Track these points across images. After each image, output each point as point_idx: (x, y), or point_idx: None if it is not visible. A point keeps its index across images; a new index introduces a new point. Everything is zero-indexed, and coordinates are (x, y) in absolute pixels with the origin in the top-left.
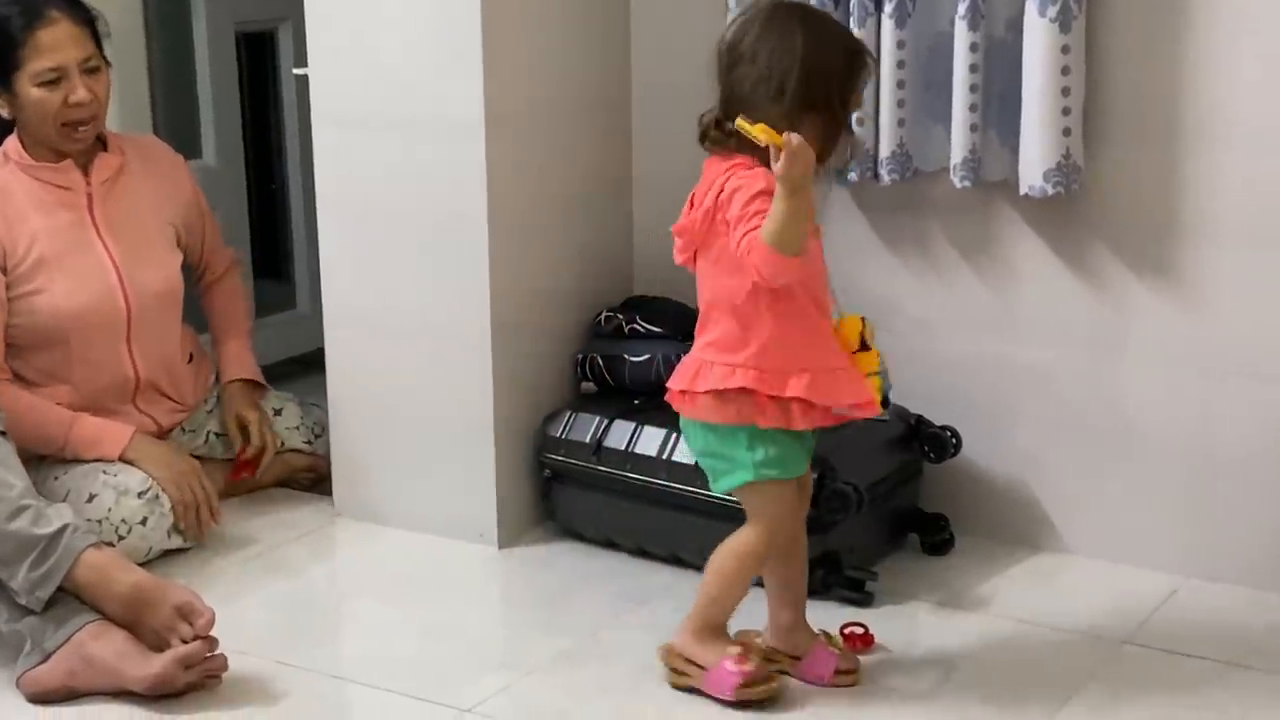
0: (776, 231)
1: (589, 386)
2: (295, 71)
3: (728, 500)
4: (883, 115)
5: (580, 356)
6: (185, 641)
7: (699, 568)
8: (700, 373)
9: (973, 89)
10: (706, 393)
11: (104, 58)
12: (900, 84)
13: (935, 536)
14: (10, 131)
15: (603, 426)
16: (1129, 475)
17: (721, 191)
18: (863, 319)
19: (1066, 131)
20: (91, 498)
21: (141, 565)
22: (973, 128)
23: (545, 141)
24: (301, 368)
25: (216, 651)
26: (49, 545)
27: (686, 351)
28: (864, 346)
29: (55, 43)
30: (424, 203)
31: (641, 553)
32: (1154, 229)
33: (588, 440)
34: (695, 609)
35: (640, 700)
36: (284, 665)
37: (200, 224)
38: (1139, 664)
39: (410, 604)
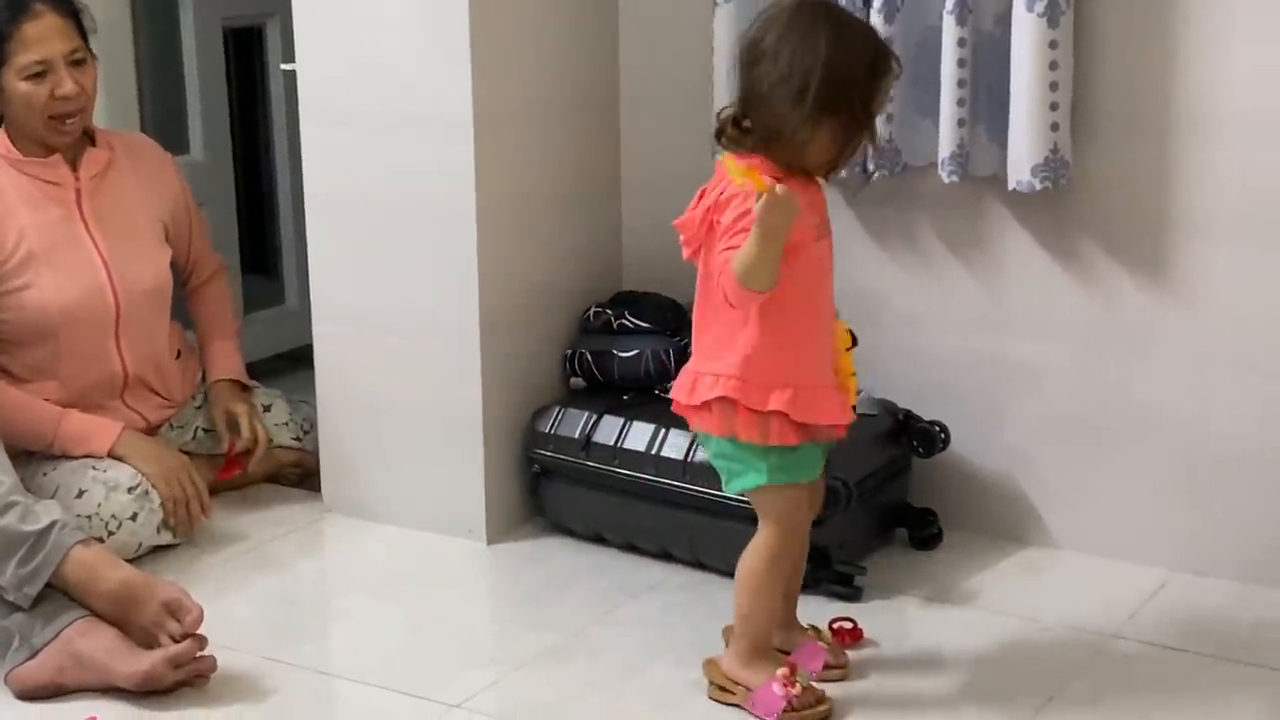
0: (743, 266)
1: (578, 382)
2: (283, 67)
3: (716, 495)
4: None
5: (569, 352)
6: (173, 638)
7: (688, 563)
8: (695, 385)
9: (961, 84)
10: (698, 405)
11: (90, 51)
12: None
13: (923, 531)
14: None
15: (591, 422)
16: (1117, 470)
17: (722, 193)
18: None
19: (1055, 126)
20: (81, 493)
21: (131, 561)
22: (961, 123)
23: (534, 139)
24: (290, 364)
25: (205, 651)
26: (37, 542)
27: (675, 346)
28: (855, 343)
29: (41, 36)
30: (413, 199)
31: (630, 548)
32: (1143, 223)
33: (576, 436)
34: (735, 631)
35: (629, 695)
36: (272, 661)
37: (187, 222)
38: (1127, 658)
39: (399, 600)
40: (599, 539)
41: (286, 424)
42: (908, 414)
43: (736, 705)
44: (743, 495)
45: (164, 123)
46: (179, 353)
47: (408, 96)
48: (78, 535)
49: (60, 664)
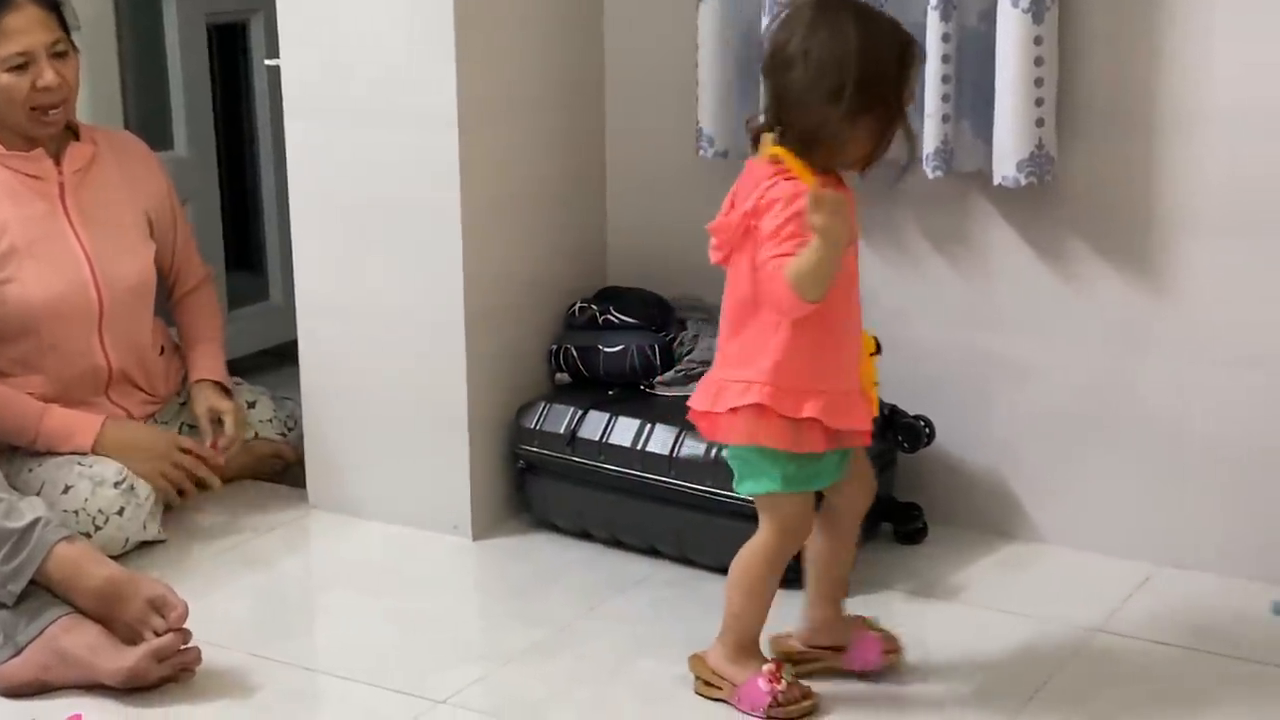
0: (801, 275)
1: (563, 378)
2: (267, 63)
3: (702, 490)
4: None
5: (554, 348)
6: (158, 634)
7: (674, 558)
8: (720, 393)
9: (945, 80)
10: (724, 413)
11: (72, 43)
12: None
13: (909, 526)
14: None
15: (577, 417)
16: (1101, 464)
17: (762, 197)
18: None
19: (1040, 122)
20: (67, 489)
21: (118, 557)
22: (945, 118)
23: (519, 133)
24: (274, 360)
25: (190, 645)
26: (21, 539)
27: (660, 342)
28: (879, 349)
29: (21, 27)
30: (397, 194)
31: (616, 543)
32: (1127, 218)
33: (562, 431)
34: (724, 627)
35: (616, 691)
36: (258, 658)
37: (171, 221)
38: (1111, 652)
39: (384, 596)
40: (585, 534)
41: (271, 421)
42: (893, 409)
43: (723, 700)
44: (750, 497)
45: (148, 118)
46: (163, 349)
47: (392, 91)
48: (62, 532)
49: (44, 661)
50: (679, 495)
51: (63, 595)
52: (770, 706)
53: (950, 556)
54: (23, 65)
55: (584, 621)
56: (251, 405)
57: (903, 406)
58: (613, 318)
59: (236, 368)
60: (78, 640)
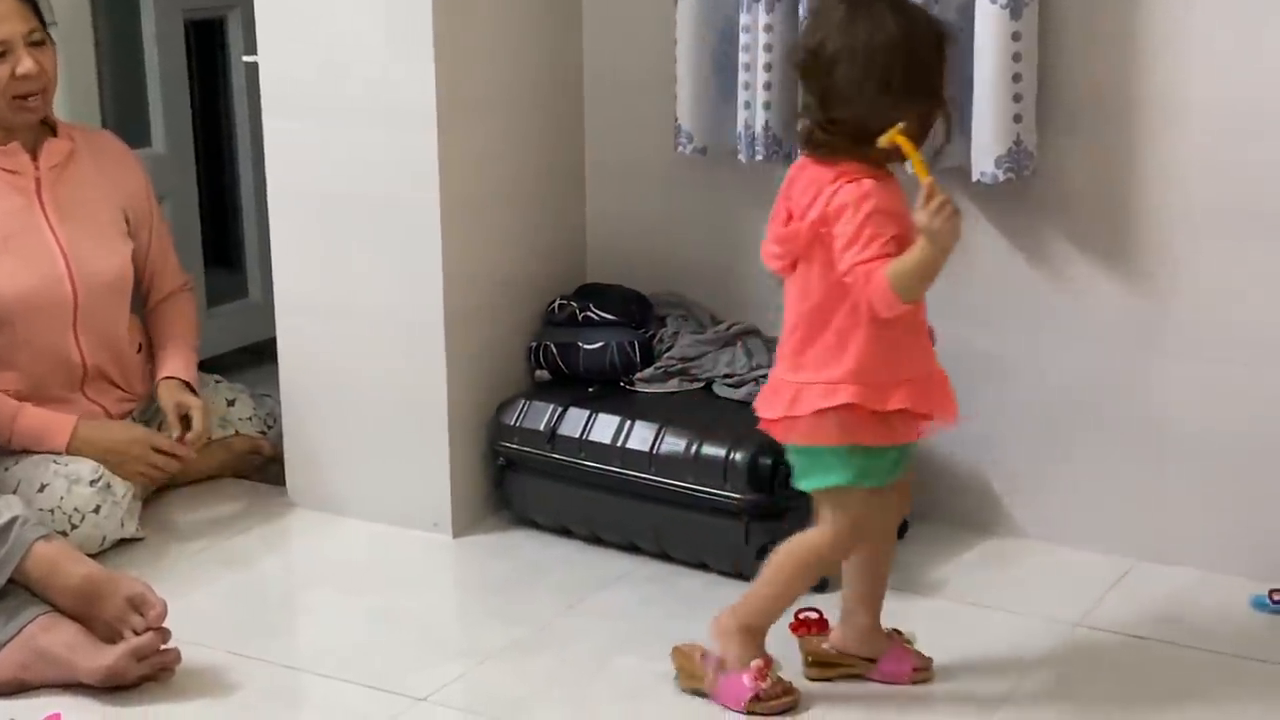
0: (905, 277)
1: (543, 375)
2: (245, 59)
3: (682, 487)
4: None
5: (534, 345)
6: (137, 633)
7: (654, 555)
8: (799, 396)
9: None
10: (808, 415)
11: (48, 35)
12: None
13: None
14: None
15: (557, 414)
16: (1082, 459)
17: (829, 205)
18: None
19: (1018, 118)
20: (43, 487)
21: (95, 556)
22: None
23: (497, 129)
24: (253, 358)
25: (169, 643)
26: None
27: (640, 338)
28: (933, 339)
29: None
30: (376, 190)
31: (596, 540)
32: (1107, 214)
33: (542, 428)
34: (744, 603)
35: (597, 687)
36: (237, 656)
37: (148, 222)
38: (1092, 646)
39: (364, 593)
40: (565, 532)
41: (250, 419)
42: None
43: (700, 692)
44: (814, 493)
45: (125, 115)
46: (141, 346)
47: (370, 88)
48: (40, 531)
49: (23, 660)
50: (659, 492)
51: (41, 594)
52: (751, 701)
53: (931, 552)
54: (0, 55)
55: (564, 619)
56: (231, 403)
57: None
58: (592, 314)
59: (215, 365)
60: (56, 639)
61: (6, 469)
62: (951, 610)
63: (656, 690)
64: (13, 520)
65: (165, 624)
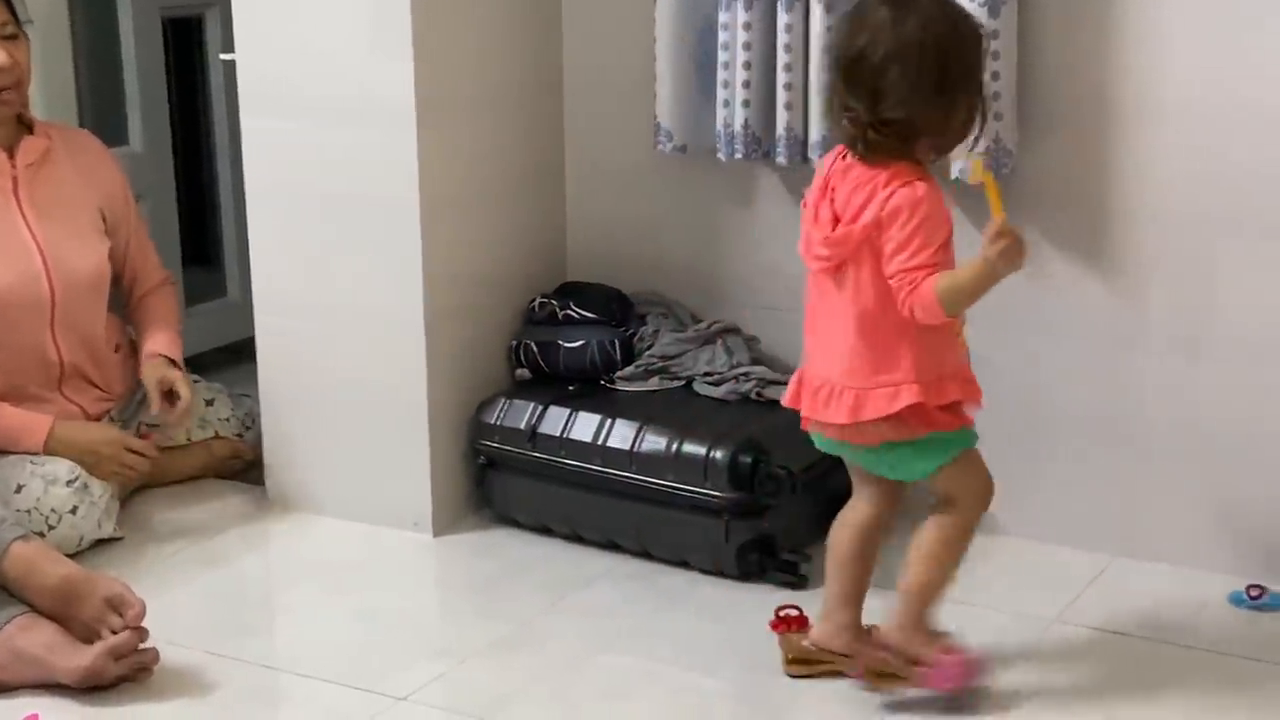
0: (954, 294)
1: (523, 373)
2: (223, 57)
3: (662, 485)
4: (812, 99)
5: (514, 343)
6: (115, 633)
7: (635, 553)
8: (863, 402)
9: None
10: (876, 421)
11: (22, 30)
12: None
13: None
14: None
15: (537, 413)
16: (1058, 456)
17: (884, 207)
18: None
19: (998, 116)
20: (19, 488)
21: (73, 555)
22: None
23: (477, 127)
24: (232, 357)
25: (147, 643)
26: None
27: (620, 337)
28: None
29: None
30: (355, 189)
31: (577, 539)
32: (1085, 211)
33: (522, 427)
34: (907, 604)
35: (578, 685)
36: (216, 656)
37: (126, 218)
38: (1069, 642)
39: (344, 592)
40: (546, 530)
41: (229, 419)
42: None
43: (903, 685)
44: (933, 481)
45: (102, 114)
46: (119, 346)
47: (349, 86)
48: (17, 531)
49: (1, 661)
50: (640, 490)
51: (19, 594)
52: (967, 677)
53: (908, 549)
54: None
55: (545, 617)
56: (209, 403)
57: None
58: (573, 313)
59: (194, 365)
60: (34, 639)
61: None
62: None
63: (638, 688)
64: None
65: (143, 624)
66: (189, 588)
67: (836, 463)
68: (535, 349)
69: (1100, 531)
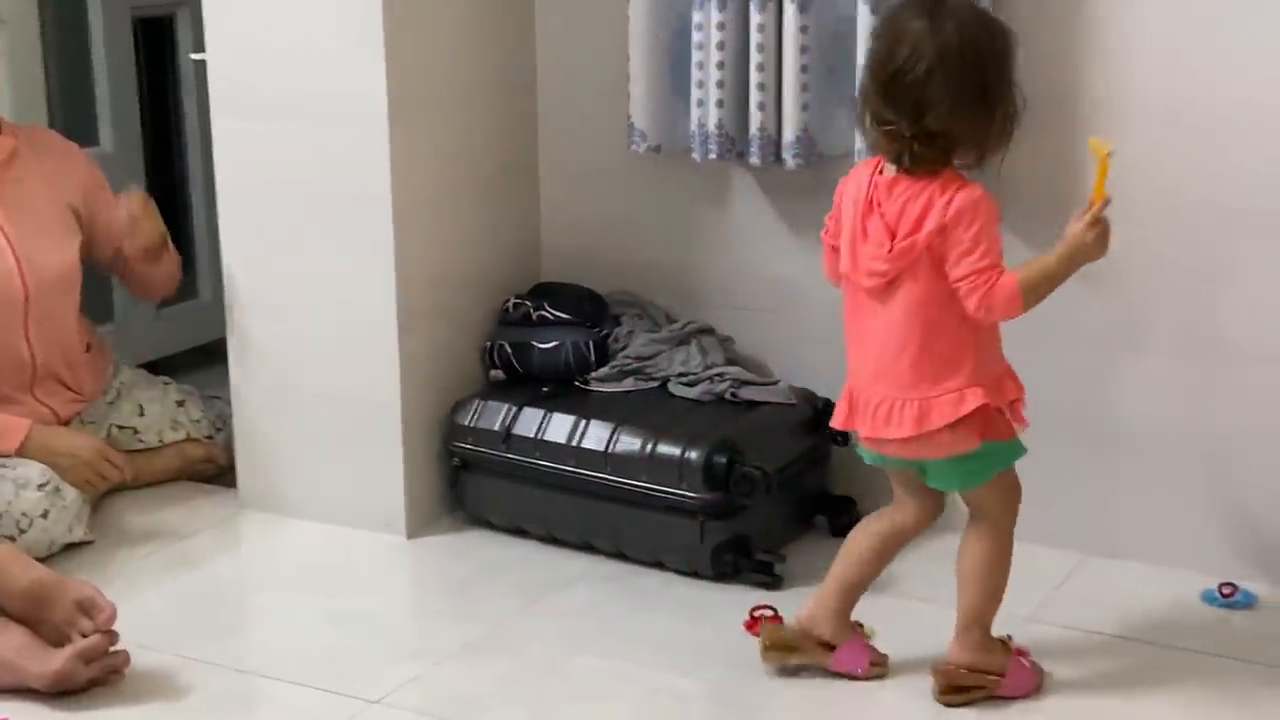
0: (1041, 282)
1: (497, 374)
2: (193, 57)
3: (637, 486)
4: (786, 100)
5: (488, 344)
6: (86, 636)
7: (609, 554)
8: (928, 411)
9: None
10: (943, 429)
11: None
12: (804, 69)
13: (843, 518)
14: None
15: (512, 414)
16: (1032, 455)
17: (946, 213)
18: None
19: None
20: None
21: (43, 560)
22: None
23: (450, 126)
24: (204, 358)
25: (118, 646)
26: None
27: (595, 338)
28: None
29: None
30: (327, 189)
31: (552, 540)
32: (1057, 212)
33: (497, 428)
34: (966, 623)
35: (552, 687)
36: (189, 659)
37: (103, 200)
38: (1041, 640)
39: (317, 595)
40: (520, 531)
41: (200, 420)
42: (826, 402)
43: (981, 697)
44: (973, 493)
45: (73, 115)
46: (89, 346)
47: (320, 85)
48: None
49: None
50: (614, 491)
51: None
52: (1038, 676)
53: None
54: None
55: (520, 618)
56: (180, 404)
57: (836, 400)
58: (547, 314)
59: (165, 366)
60: (4, 644)
61: None
62: (903, 606)
63: (613, 689)
64: None
65: (114, 627)
66: (160, 591)
67: (811, 463)
68: (509, 350)
69: (1074, 530)
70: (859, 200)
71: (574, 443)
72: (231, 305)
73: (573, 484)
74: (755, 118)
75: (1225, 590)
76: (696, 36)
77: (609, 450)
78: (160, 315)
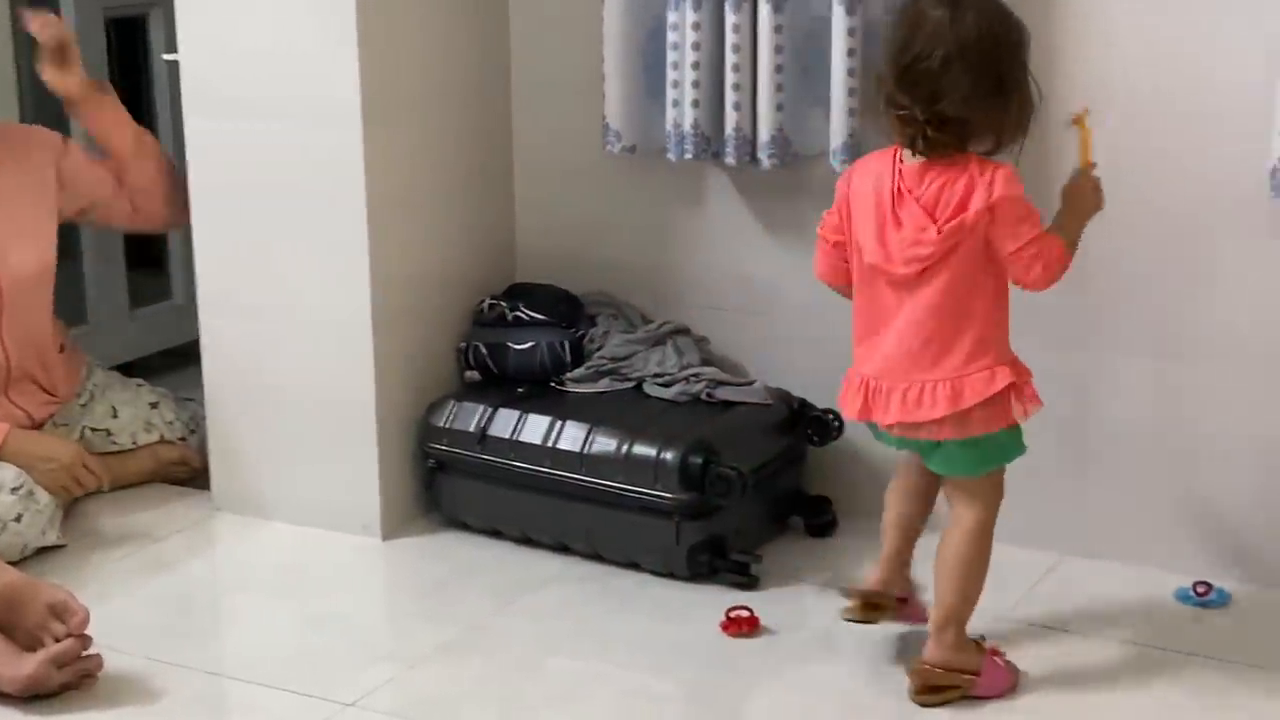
0: (1073, 244)
1: (472, 375)
2: (166, 57)
3: (612, 487)
4: (760, 100)
5: (463, 345)
6: (58, 640)
7: (585, 555)
8: (961, 390)
9: (851, 73)
10: (980, 405)
11: None
12: (779, 68)
13: (819, 519)
14: None
15: (487, 415)
16: None
17: (991, 191)
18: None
19: None
20: None
21: (16, 563)
22: (852, 112)
23: (425, 127)
24: (177, 360)
25: (91, 650)
26: None
27: (570, 338)
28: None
29: None
30: (301, 190)
31: (527, 541)
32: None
33: (472, 429)
34: (943, 620)
35: (528, 689)
36: (162, 663)
37: (78, 163)
38: (1018, 639)
39: (292, 597)
40: (495, 533)
41: (173, 423)
42: (802, 402)
43: (957, 698)
44: (973, 479)
45: (45, 114)
46: (63, 347)
47: (294, 86)
48: None
49: None
50: (590, 492)
51: None
52: (1014, 676)
53: (860, 549)
54: None
55: (496, 620)
56: (154, 406)
57: (811, 400)
58: (522, 314)
59: (138, 368)
60: None
61: None
62: None
63: (589, 691)
64: None
65: (87, 631)
66: (134, 594)
67: (787, 463)
68: (484, 351)
69: (1049, 529)
70: (883, 190)
71: (549, 444)
72: (204, 307)
73: (548, 485)
74: (730, 118)
75: (1200, 589)
76: (671, 36)
77: (584, 451)
78: (133, 317)
